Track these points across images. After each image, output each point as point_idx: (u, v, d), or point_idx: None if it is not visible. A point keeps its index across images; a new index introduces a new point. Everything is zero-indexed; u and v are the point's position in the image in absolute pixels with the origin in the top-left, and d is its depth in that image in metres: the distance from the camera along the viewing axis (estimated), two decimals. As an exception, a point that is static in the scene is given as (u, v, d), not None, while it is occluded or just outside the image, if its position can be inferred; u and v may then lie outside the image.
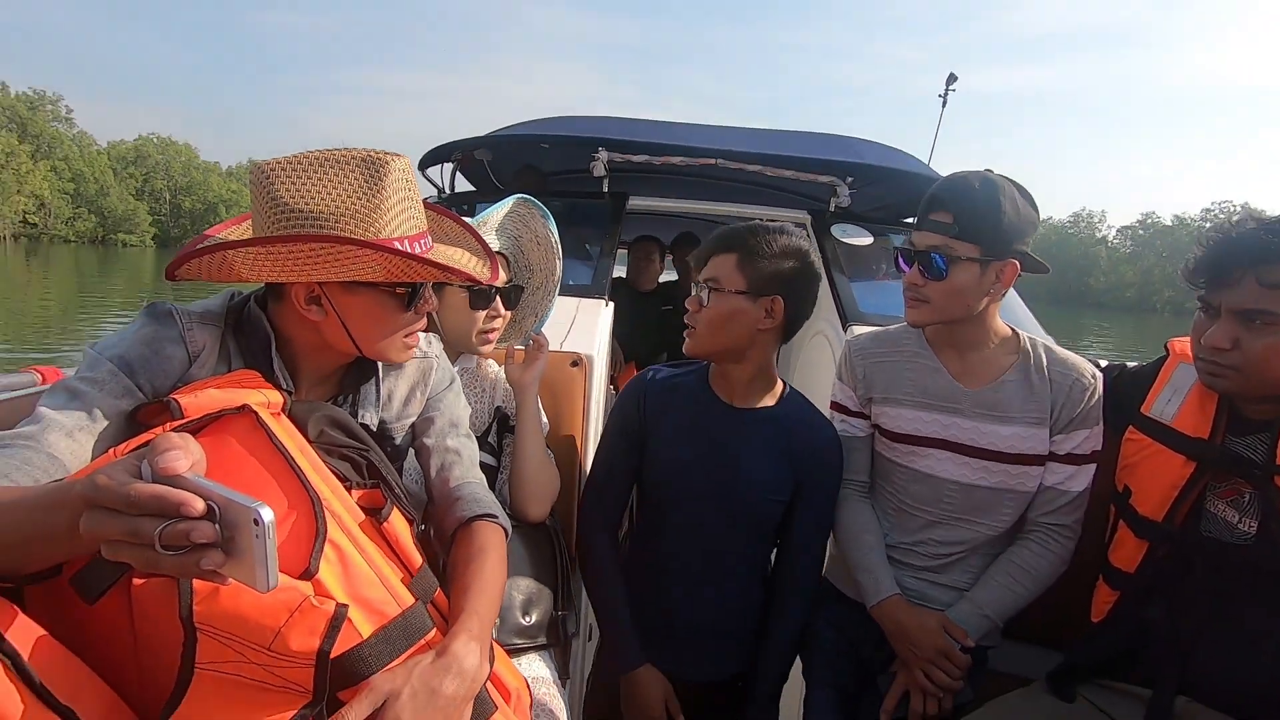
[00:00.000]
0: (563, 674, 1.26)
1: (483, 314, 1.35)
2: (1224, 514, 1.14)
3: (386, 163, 0.89)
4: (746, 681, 1.44)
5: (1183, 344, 1.29)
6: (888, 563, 1.39)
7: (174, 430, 0.70)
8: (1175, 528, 1.17)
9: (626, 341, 3.48)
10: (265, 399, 0.84)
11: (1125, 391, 1.35)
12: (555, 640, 1.27)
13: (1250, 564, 1.09)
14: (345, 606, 0.69)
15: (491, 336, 1.37)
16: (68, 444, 0.77)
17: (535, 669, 1.22)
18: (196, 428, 0.76)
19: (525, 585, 1.26)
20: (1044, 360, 1.34)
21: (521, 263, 1.45)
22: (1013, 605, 1.32)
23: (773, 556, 1.49)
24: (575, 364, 1.65)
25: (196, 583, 0.64)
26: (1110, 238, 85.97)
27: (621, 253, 4.20)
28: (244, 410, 0.77)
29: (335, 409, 0.94)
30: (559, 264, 1.43)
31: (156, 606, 0.66)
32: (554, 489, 1.37)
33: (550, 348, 1.74)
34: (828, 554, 1.51)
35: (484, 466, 1.36)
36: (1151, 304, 74.08)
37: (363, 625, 0.74)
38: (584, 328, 1.89)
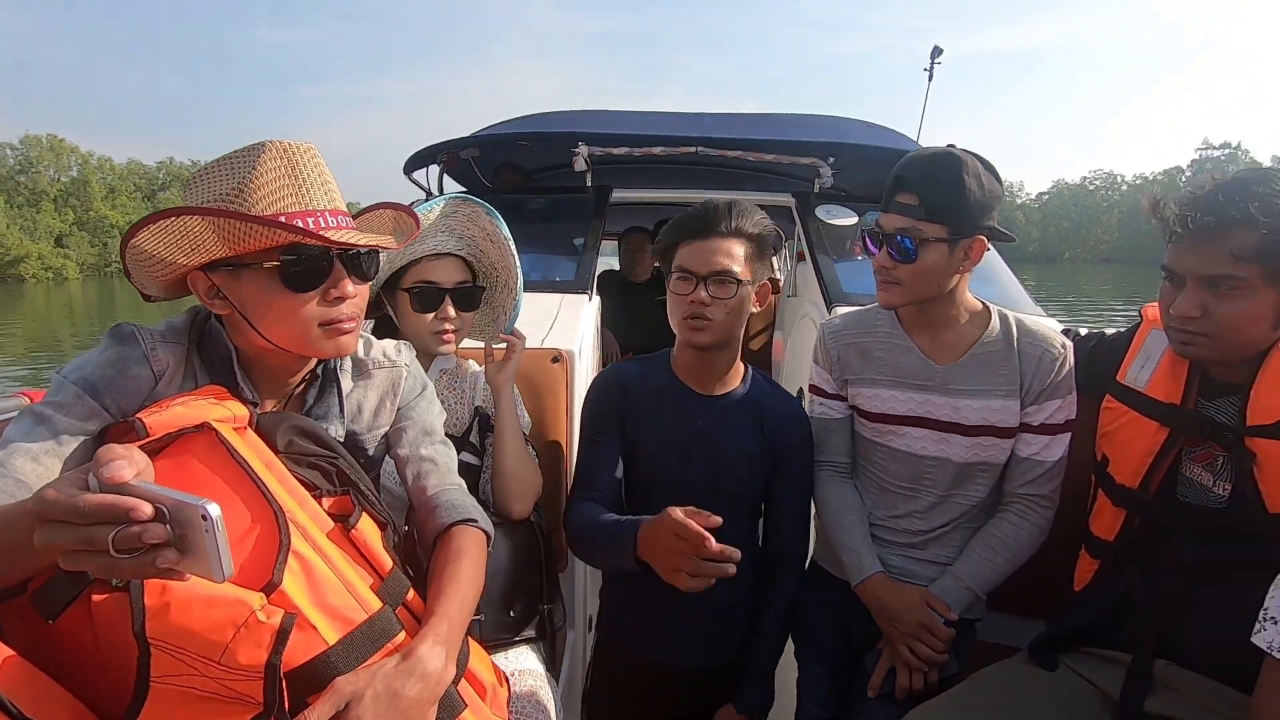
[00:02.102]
0: (550, 665, 1.29)
1: (430, 315, 1.36)
2: (1199, 478, 1.14)
3: (262, 146, 0.88)
4: (741, 660, 1.45)
5: (1155, 310, 1.28)
6: (871, 541, 1.40)
7: (137, 449, 0.72)
8: (1151, 494, 1.17)
9: (622, 333, 3.49)
10: (231, 413, 0.86)
11: (1103, 360, 1.35)
12: (543, 633, 1.29)
13: (1226, 526, 1.09)
14: (293, 617, 0.71)
15: (447, 338, 1.37)
16: (33, 468, 0.79)
17: (524, 661, 1.24)
18: (158, 447, 0.78)
19: (509, 579, 1.28)
20: (1014, 332, 1.34)
21: (485, 264, 1.46)
22: (994, 577, 1.33)
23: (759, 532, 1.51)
24: (556, 360, 1.67)
25: (148, 599, 0.66)
26: (1028, 203, 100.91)
27: (614, 244, 4.21)
28: (203, 428, 0.79)
29: (302, 418, 0.96)
30: (514, 259, 1.43)
31: (112, 622, 0.68)
32: (536, 486, 1.39)
33: (531, 344, 1.75)
34: (815, 536, 1.53)
35: (466, 466, 1.38)
36: (1053, 256, 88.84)
37: (328, 632, 0.76)
38: (566, 323, 1.90)
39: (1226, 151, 79.98)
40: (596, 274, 2.90)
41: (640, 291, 3.70)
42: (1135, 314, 1.36)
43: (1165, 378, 1.18)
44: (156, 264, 0.88)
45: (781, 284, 3.70)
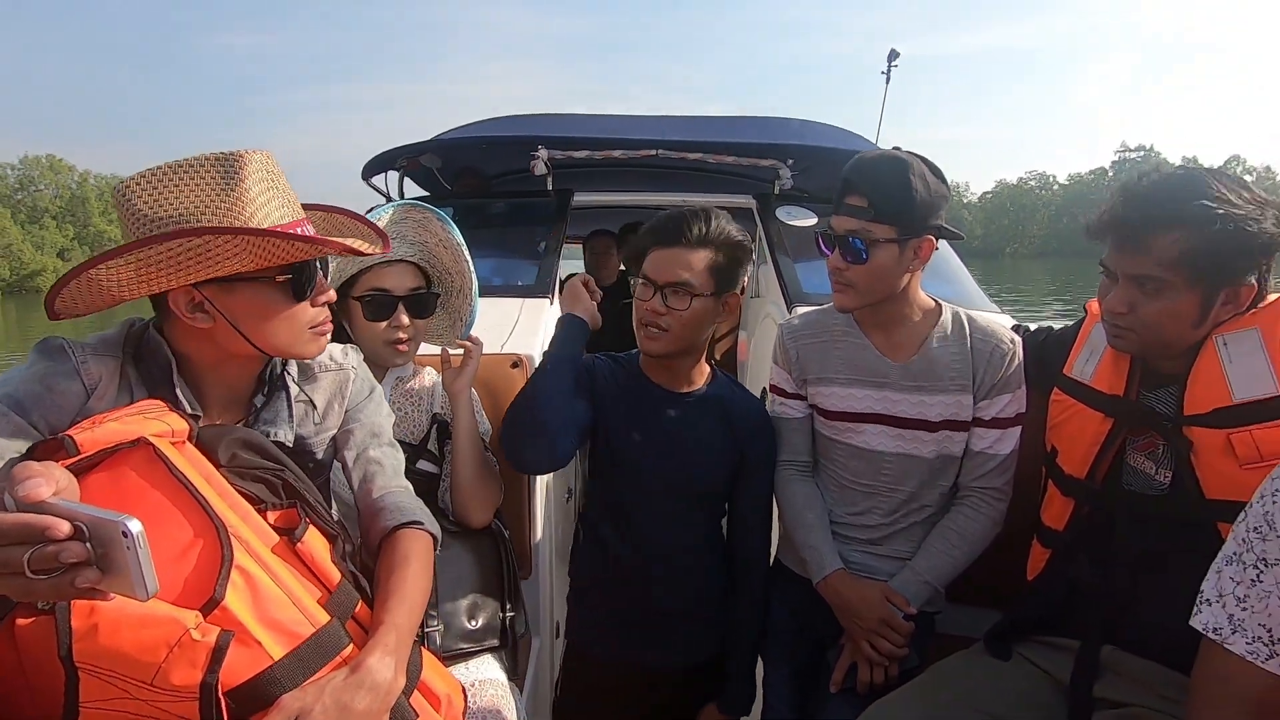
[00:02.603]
0: (514, 674, 1.27)
1: (383, 324, 1.34)
2: (1142, 466, 1.18)
3: (241, 157, 0.88)
4: (722, 659, 1.47)
5: (1097, 305, 1.32)
6: (831, 539, 1.41)
7: (68, 468, 0.70)
8: (1098, 483, 1.21)
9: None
10: (169, 428, 0.83)
11: (1051, 354, 1.38)
12: (505, 641, 1.28)
13: (1167, 513, 1.13)
14: (230, 634, 0.69)
15: (402, 347, 1.36)
16: None
17: (485, 671, 1.23)
18: (91, 464, 0.76)
19: (471, 589, 1.27)
20: (965, 329, 1.37)
21: (439, 269, 1.44)
22: (951, 570, 1.36)
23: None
24: (515, 365, 1.65)
25: (75, 621, 0.64)
26: (972, 201, 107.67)
27: (579, 249, 4.19)
28: (140, 443, 0.77)
29: (247, 431, 0.94)
30: (468, 265, 1.41)
31: (38, 647, 0.66)
32: (497, 494, 1.37)
33: (491, 350, 1.74)
34: (778, 535, 1.54)
35: (426, 474, 1.36)
36: (995, 252, 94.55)
37: (273, 648, 0.74)
38: (527, 328, 1.89)
39: (1141, 154, 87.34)
40: (561, 277, 2.89)
41: (606, 294, 3.69)
42: (1065, 304, 1.41)
43: (1109, 370, 1.22)
44: (136, 284, 0.86)
45: (745, 285, 3.74)
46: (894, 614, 1.31)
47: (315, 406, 1.07)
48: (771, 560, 1.56)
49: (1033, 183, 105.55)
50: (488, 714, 1.15)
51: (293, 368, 1.06)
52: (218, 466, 0.86)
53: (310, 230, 0.95)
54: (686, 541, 1.44)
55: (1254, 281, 1.07)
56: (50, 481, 0.61)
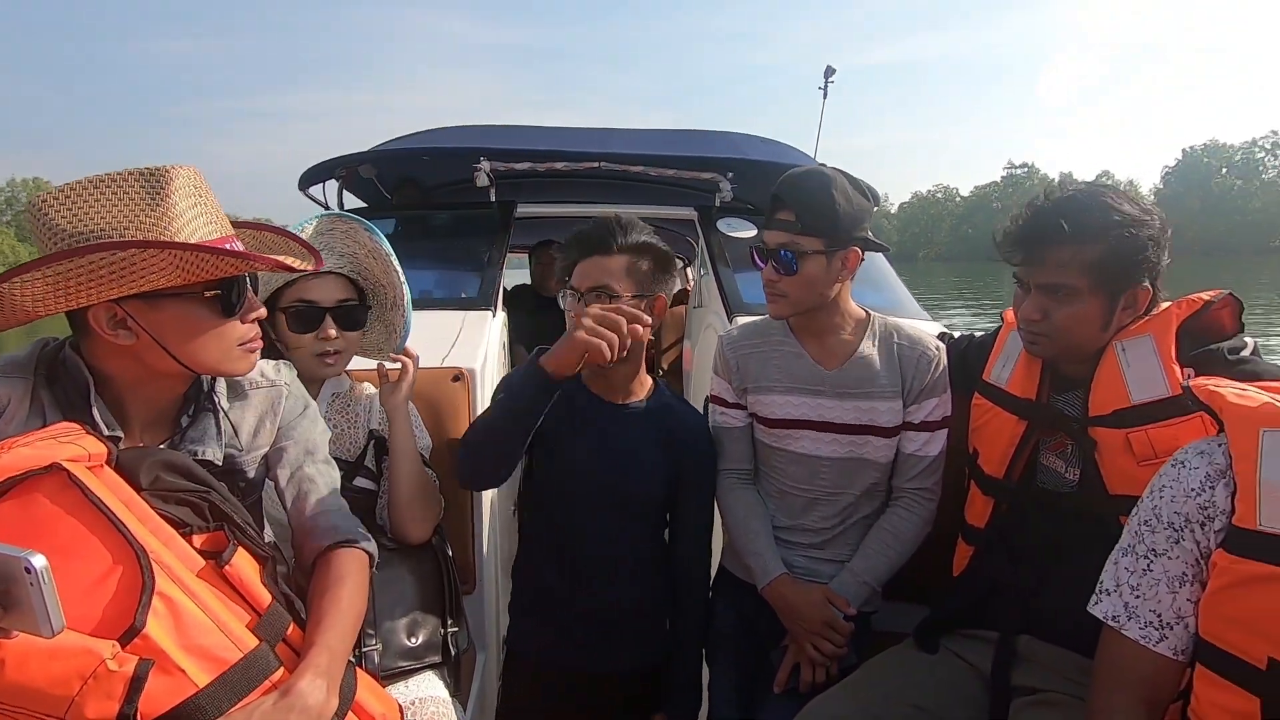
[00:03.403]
0: (455, 690, 1.26)
1: (310, 336, 1.32)
2: (1054, 465, 1.25)
3: (168, 172, 0.87)
4: (662, 667, 1.49)
5: (1013, 313, 1.40)
6: (774, 545, 1.45)
7: None
8: (1014, 482, 1.28)
9: (534, 347, 3.46)
10: (84, 451, 0.80)
11: (972, 360, 1.46)
12: (446, 658, 1.27)
13: (1076, 509, 1.20)
14: (149, 663, 0.68)
15: (330, 360, 1.33)
16: None
17: (426, 688, 1.22)
18: (1, 491, 0.73)
19: (410, 605, 1.25)
20: (893, 337, 1.43)
21: (371, 281, 1.42)
22: (888, 569, 1.41)
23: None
24: (457, 379, 1.64)
25: None
26: (890, 212, 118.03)
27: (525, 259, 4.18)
28: (53, 469, 0.74)
29: (170, 453, 0.91)
30: (399, 275, 1.39)
31: (-59, 686, 0.63)
32: (435, 509, 1.36)
33: (432, 363, 1.72)
34: (723, 543, 1.57)
35: (363, 491, 1.34)
36: (910, 256, 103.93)
37: (198, 675, 0.72)
38: (468, 341, 1.88)
39: (1025, 170, 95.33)
40: (506, 289, 2.88)
41: (552, 306, 3.69)
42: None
43: (1022, 375, 1.29)
44: (53, 299, 0.83)
45: (689, 292, 3.79)
46: (835, 615, 1.36)
47: (245, 424, 1.04)
48: (716, 568, 1.59)
49: (940, 195, 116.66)
50: None
51: (221, 385, 1.03)
52: (139, 490, 0.84)
53: (239, 247, 0.93)
54: (625, 551, 1.45)
55: (1148, 285, 1.17)
56: None
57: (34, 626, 0.56)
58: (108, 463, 0.83)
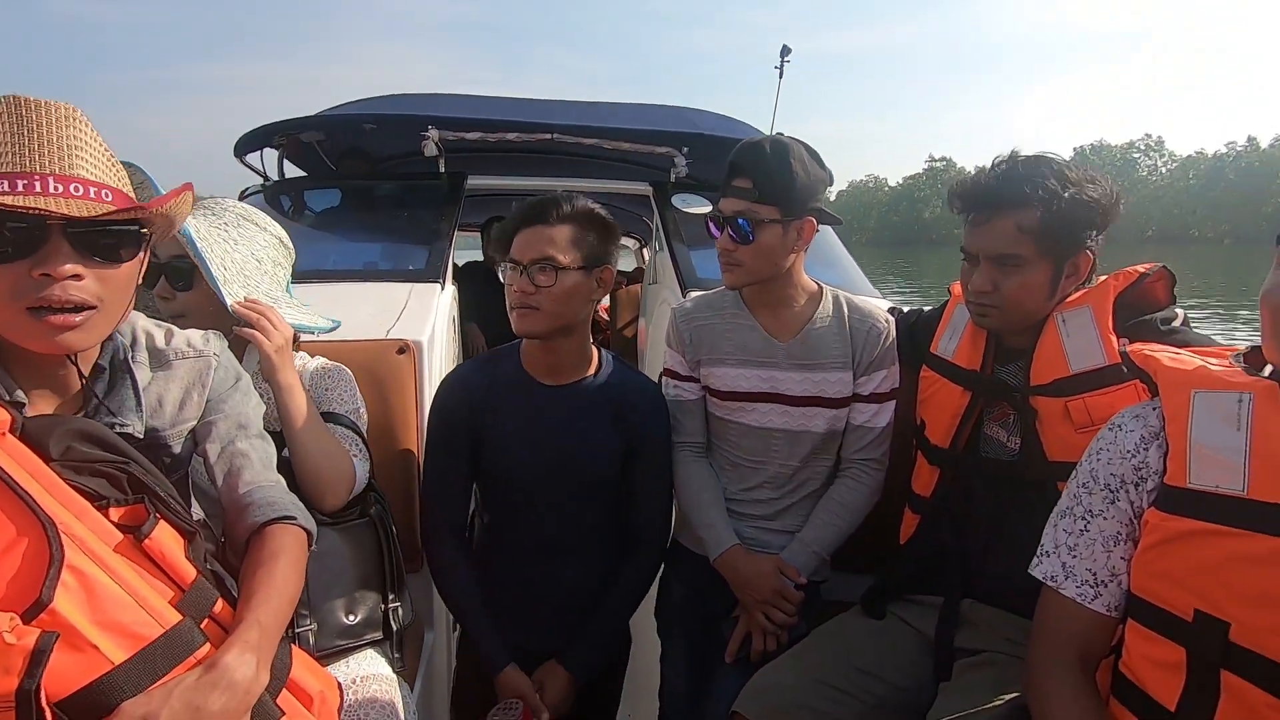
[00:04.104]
0: (400, 668, 1.23)
1: (154, 294, 1.21)
2: (997, 435, 1.28)
3: (20, 102, 0.78)
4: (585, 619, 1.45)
5: (960, 287, 1.43)
6: (726, 517, 1.45)
7: None
8: (959, 452, 1.30)
9: (487, 325, 3.41)
10: None
11: (920, 334, 1.48)
12: (388, 634, 1.23)
13: (1017, 476, 1.23)
14: (52, 636, 0.63)
15: (181, 324, 1.12)
16: None
17: (368, 666, 1.18)
18: None
19: (348, 582, 1.20)
20: (845, 310, 1.44)
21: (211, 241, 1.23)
22: (836, 539, 1.43)
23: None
24: (402, 351, 1.59)
25: None
26: (832, 199, 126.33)
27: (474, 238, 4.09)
28: None
29: (85, 421, 0.85)
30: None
31: None
32: (347, 474, 1.23)
33: (376, 335, 1.66)
34: (676, 516, 1.57)
35: (285, 463, 1.27)
36: (845, 240, 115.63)
37: (113, 651, 0.68)
38: (415, 313, 1.82)
39: (944, 163, 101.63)
40: (456, 264, 2.80)
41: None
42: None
43: (967, 347, 1.32)
44: None
45: (643, 271, 3.77)
46: (786, 585, 1.37)
47: (169, 396, 0.97)
48: (669, 541, 1.59)
49: (870, 184, 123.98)
50: (371, 707, 1.10)
51: (141, 354, 0.96)
52: (47, 461, 0.78)
53: (57, 189, 0.77)
54: (580, 529, 1.44)
55: (1090, 252, 1.20)
56: None
57: None
58: (11, 431, 0.77)
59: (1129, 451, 0.88)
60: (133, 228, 0.85)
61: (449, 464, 1.42)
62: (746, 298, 1.47)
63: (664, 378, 1.56)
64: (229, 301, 1.19)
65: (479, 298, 3.38)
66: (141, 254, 0.88)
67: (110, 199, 0.81)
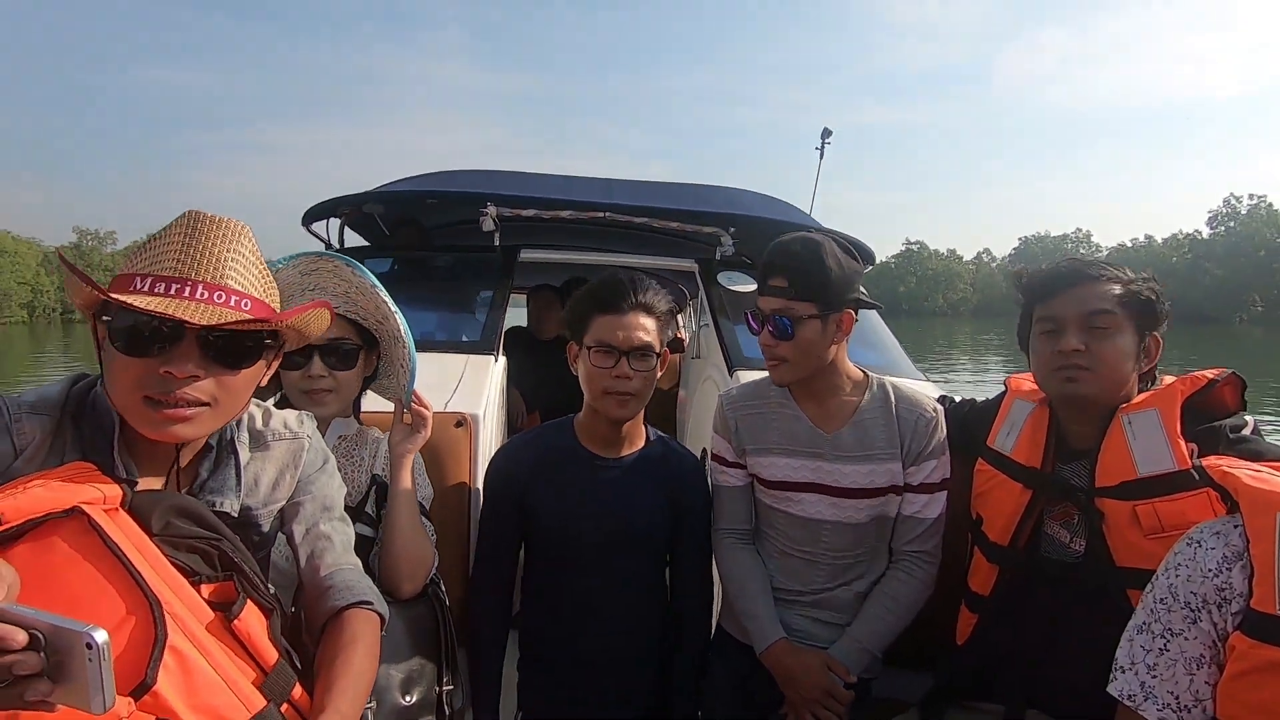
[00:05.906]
0: None
1: (297, 373, 1.29)
2: (1059, 535, 1.26)
3: (185, 214, 0.89)
4: (663, 706, 1.50)
5: (1018, 380, 1.43)
6: (773, 607, 1.44)
7: (3, 563, 0.65)
8: (1019, 551, 1.28)
9: (529, 390, 3.45)
10: (100, 494, 0.78)
11: (973, 425, 1.47)
12: (441, 717, 1.22)
13: (1081, 579, 1.20)
14: None
15: (317, 396, 1.29)
16: None
17: None
18: (18, 533, 0.71)
19: (406, 663, 1.20)
20: (892, 398, 1.44)
21: (366, 317, 1.36)
22: (888, 635, 1.40)
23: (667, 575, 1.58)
24: (460, 424, 1.63)
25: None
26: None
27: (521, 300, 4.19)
28: (74, 512, 0.72)
29: (184, 497, 0.89)
30: (390, 306, 1.32)
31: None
32: (429, 563, 1.31)
33: (434, 408, 1.70)
34: (720, 603, 1.56)
35: (361, 538, 1.30)
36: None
37: None
38: (471, 386, 1.87)
39: (918, 245, 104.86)
40: (503, 331, 2.87)
41: (547, 349, 3.69)
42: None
43: (1027, 443, 1.31)
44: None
45: (687, 343, 3.81)
46: (835, 683, 1.34)
47: (265, 476, 1.01)
48: (715, 628, 1.57)
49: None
50: None
51: (244, 435, 1.01)
52: (150, 535, 0.82)
53: (201, 295, 0.84)
54: (630, 590, 1.48)
55: (1159, 337, 1.22)
56: (1, 584, 0.57)
57: (84, 702, 0.53)
58: (121, 506, 0.81)
59: (1210, 570, 0.87)
60: (261, 337, 0.91)
61: (500, 530, 1.49)
62: (792, 387, 1.48)
63: (711, 462, 1.57)
64: (415, 381, 1.36)
65: (523, 363, 3.44)
66: (265, 360, 0.94)
67: (248, 308, 0.87)
